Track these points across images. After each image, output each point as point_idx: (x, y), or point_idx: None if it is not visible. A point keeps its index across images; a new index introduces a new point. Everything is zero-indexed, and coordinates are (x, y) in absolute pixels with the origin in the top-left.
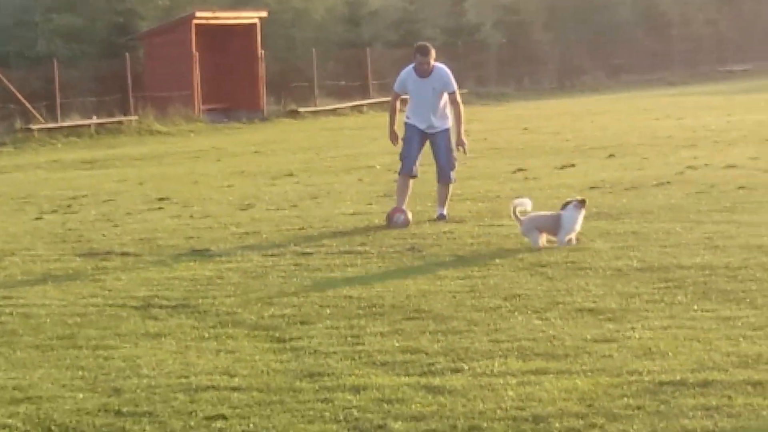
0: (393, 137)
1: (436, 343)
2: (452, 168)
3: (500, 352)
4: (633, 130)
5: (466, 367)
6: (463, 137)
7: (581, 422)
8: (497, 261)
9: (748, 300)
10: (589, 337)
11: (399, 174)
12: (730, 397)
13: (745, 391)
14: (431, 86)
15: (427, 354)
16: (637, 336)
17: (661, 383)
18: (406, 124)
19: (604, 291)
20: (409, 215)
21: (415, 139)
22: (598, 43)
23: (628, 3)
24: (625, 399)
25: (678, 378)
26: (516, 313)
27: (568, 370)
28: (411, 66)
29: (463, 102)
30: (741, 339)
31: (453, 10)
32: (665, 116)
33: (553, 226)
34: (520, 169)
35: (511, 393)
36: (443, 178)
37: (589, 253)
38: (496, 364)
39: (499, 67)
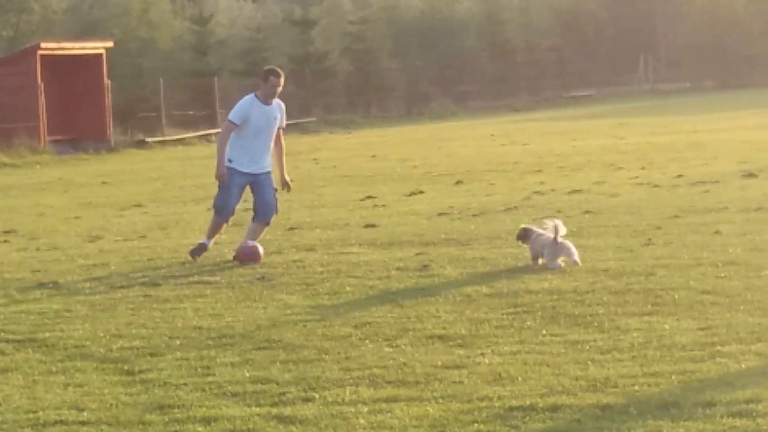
0: (223, 173)
1: (287, 372)
2: (277, 209)
3: (351, 381)
4: (480, 156)
5: (317, 396)
6: (287, 176)
7: None
8: (347, 289)
9: (595, 324)
10: (439, 363)
11: (216, 216)
12: (579, 421)
13: (594, 415)
14: (274, 115)
15: (278, 384)
16: (487, 362)
17: (511, 408)
18: (228, 169)
19: (453, 317)
20: (260, 249)
21: (236, 188)
22: (445, 70)
23: (472, 30)
24: (476, 425)
25: (528, 403)
26: (366, 341)
27: (419, 397)
28: (252, 95)
29: (312, 130)
30: (589, 363)
31: (300, 38)
32: (511, 142)
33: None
34: (369, 197)
35: (362, 421)
36: (266, 217)
37: (439, 280)
38: (348, 393)
39: (347, 95)
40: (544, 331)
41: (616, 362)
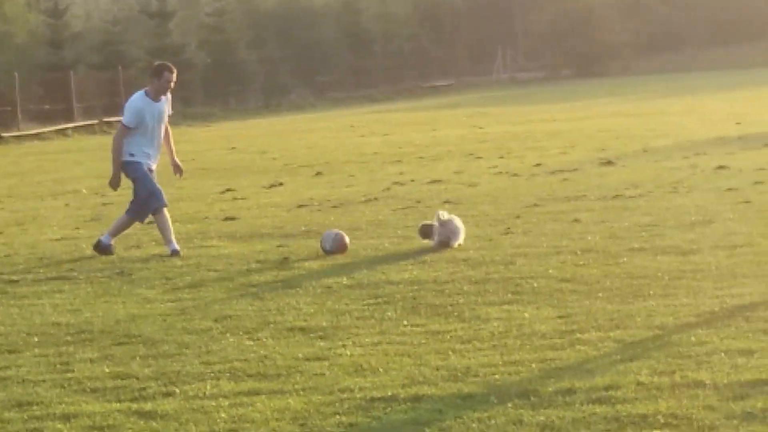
0: (117, 181)
1: (147, 367)
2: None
3: (212, 374)
4: (340, 147)
5: (177, 391)
6: (177, 160)
7: None
8: (207, 282)
9: (456, 313)
10: (300, 355)
11: (155, 212)
12: (440, 411)
13: (455, 405)
14: (165, 109)
15: (138, 379)
16: (348, 353)
17: (373, 399)
18: (131, 162)
19: (314, 309)
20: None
21: (149, 174)
22: (303, 62)
23: (331, 20)
24: (338, 417)
25: (389, 394)
26: (227, 335)
27: (281, 390)
28: (141, 92)
29: (170, 123)
30: (450, 352)
31: (157, 30)
32: (371, 133)
33: None
34: (228, 189)
35: (223, 415)
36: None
37: (300, 272)
38: (208, 387)
39: (205, 88)
40: (405, 322)
41: (476, 351)
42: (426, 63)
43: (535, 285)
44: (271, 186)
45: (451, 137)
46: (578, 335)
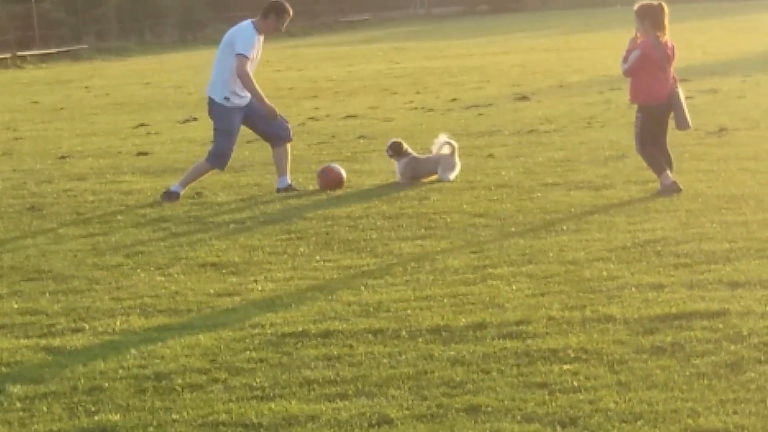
0: (271, 108)
1: (57, 303)
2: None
3: (122, 311)
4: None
5: (87, 327)
6: None
7: (204, 377)
8: (119, 218)
9: (369, 249)
10: (212, 291)
11: (210, 164)
12: (351, 346)
13: (366, 340)
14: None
15: (47, 315)
16: (260, 288)
17: (284, 335)
18: (222, 107)
19: (227, 245)
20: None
21: (237, 132)
22: None
23: None
24: (248, 352)
25: (300, 329)
26: (138, 270)
27: (191, 326)
28: (249, 23)
29: (84, 58)
30: (362, 288)
31: None
32: (287, 68)
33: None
34: (142, 124)
35: (133, 351)
36: (287, 132)
37: (212, 207)
38: (118, 323)
39: (120, 22)
40: (317, 257)
41: (388, 287)
42: None
43: (449, 220)
44: (186, 121)
45: (367, 72)
46: (490, 270)
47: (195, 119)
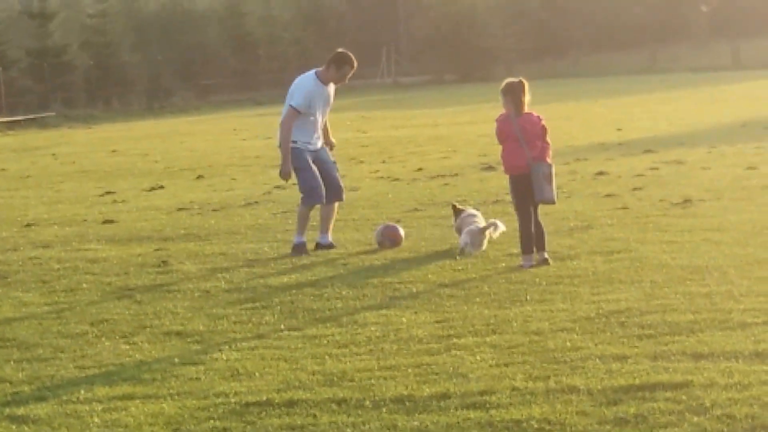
0: (288, 170)
1: (21, 371)
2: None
3: (86, 379)
4: (222, 150)
5: (51, 395)
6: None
7: None
8: (84, 286)
9: (333, 318)
10: (176, 360)
11: (305, 205)
12: (315, 416)
13: (330, 409)
14: (331, 94)
15: (11, 383)
16: (224, 357)
17: (248, 404)
18: (295, 149)
19: (192, 313)
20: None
21: (312, 165)
22: (187, 64)
23: (214, 23)
24: (212, 422)
25: (264, 398)
26: (103, 339)
27: (155, 395)
28: (311, 74)
29: (51, 125)
30: (327, 357)
31: (38, 31)
32: (254, 136)
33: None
34: (108, 192)
35: (96, 420)
36: (339, 192)
37: (178, 276)
38: (82, 391)
39: (87, 89)
40: (282, 326)
41: (353, 356)
42: (310, 66)
43: (414, 290)
44: (152, 189)
45: (335, 141)
46: (455, 340)
47: (161, 187)
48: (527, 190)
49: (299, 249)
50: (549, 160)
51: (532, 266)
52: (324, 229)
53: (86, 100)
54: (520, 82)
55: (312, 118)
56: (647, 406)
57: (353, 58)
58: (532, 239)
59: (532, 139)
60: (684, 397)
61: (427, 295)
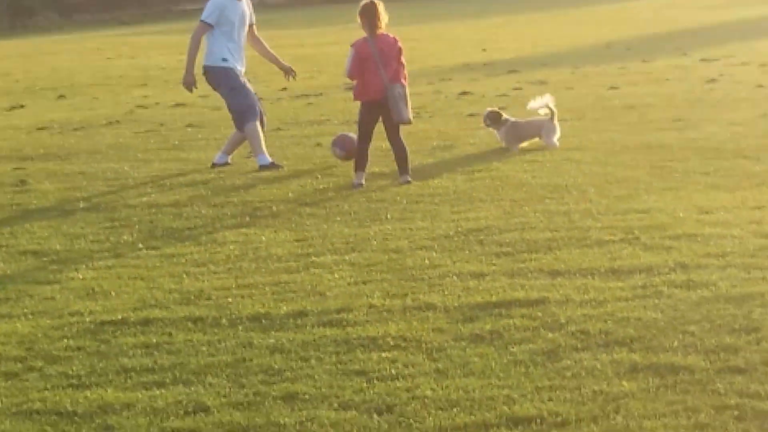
0: (191, 79)
1: None
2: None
3: None
4: (85, 70)
5: None
6: (285, 62)
7: (20, 365)
8: None
9: (192, 237)
10: (31, 279)
11: (247, 124)
12: (170, 334)
13: (186, 327)
14: (247, 11)
15: None
16: (80, 276)
17: (103, 323)
18: (225, 69)
19: (48, 233)
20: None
21: (246, 84)
22: None
23: None
24: (66, 340)
25: (119, 317)
26: None
27: (9, 314)
28: None
29: None
30: (184, 275)
31: None
32: (118, 56)
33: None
34: None
35: None
36: (261, 120)
37: (36, 195)
38: None
39: None
40: (140, 245)
41: (210, 275)
42: None
43: (274, 209)
44: (12, 108)
45: (198, 61)
46: (314, 258)
47: (21, 106)
48: (376, 117)
49: (269, 167)
50: (404, 81)
51: (361, 185)
52: (227, 150)
53: None
54: (373, 2)
55: (234, 36)
56: (503, 323)
57: None
58: (365, 158)
59: (389, 60)
60: (539, 314)
61: (288, 214)
